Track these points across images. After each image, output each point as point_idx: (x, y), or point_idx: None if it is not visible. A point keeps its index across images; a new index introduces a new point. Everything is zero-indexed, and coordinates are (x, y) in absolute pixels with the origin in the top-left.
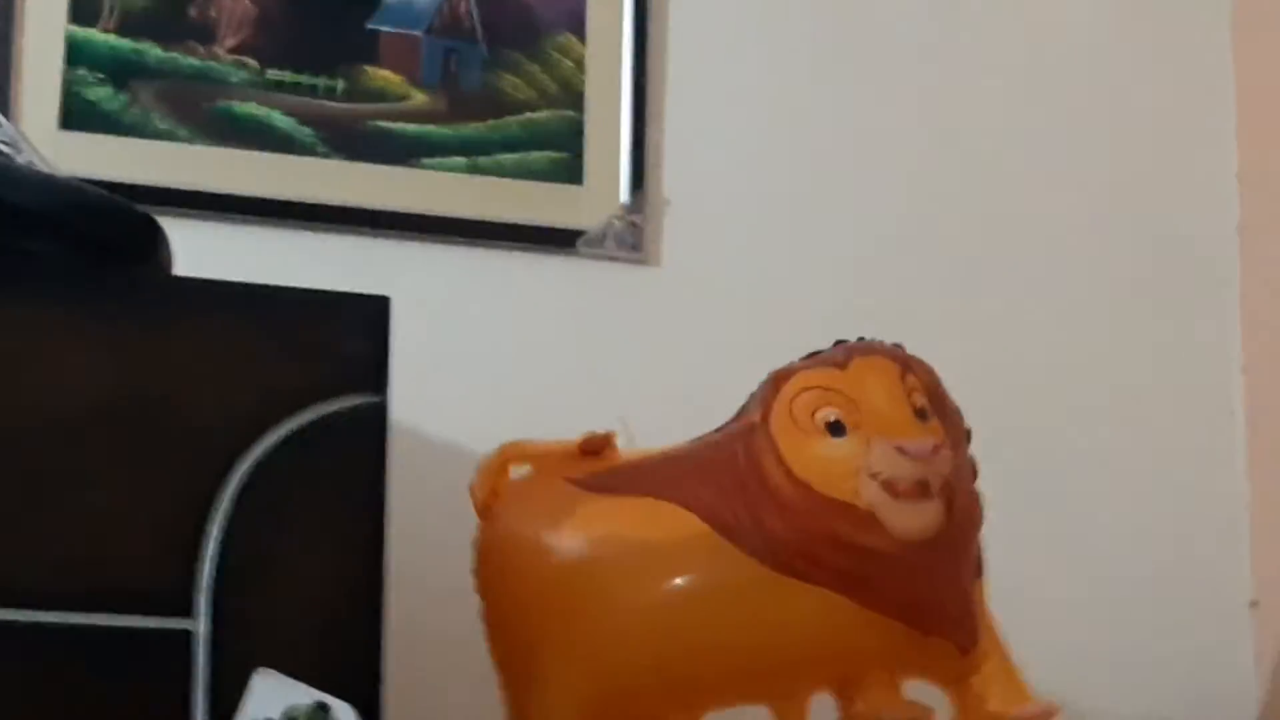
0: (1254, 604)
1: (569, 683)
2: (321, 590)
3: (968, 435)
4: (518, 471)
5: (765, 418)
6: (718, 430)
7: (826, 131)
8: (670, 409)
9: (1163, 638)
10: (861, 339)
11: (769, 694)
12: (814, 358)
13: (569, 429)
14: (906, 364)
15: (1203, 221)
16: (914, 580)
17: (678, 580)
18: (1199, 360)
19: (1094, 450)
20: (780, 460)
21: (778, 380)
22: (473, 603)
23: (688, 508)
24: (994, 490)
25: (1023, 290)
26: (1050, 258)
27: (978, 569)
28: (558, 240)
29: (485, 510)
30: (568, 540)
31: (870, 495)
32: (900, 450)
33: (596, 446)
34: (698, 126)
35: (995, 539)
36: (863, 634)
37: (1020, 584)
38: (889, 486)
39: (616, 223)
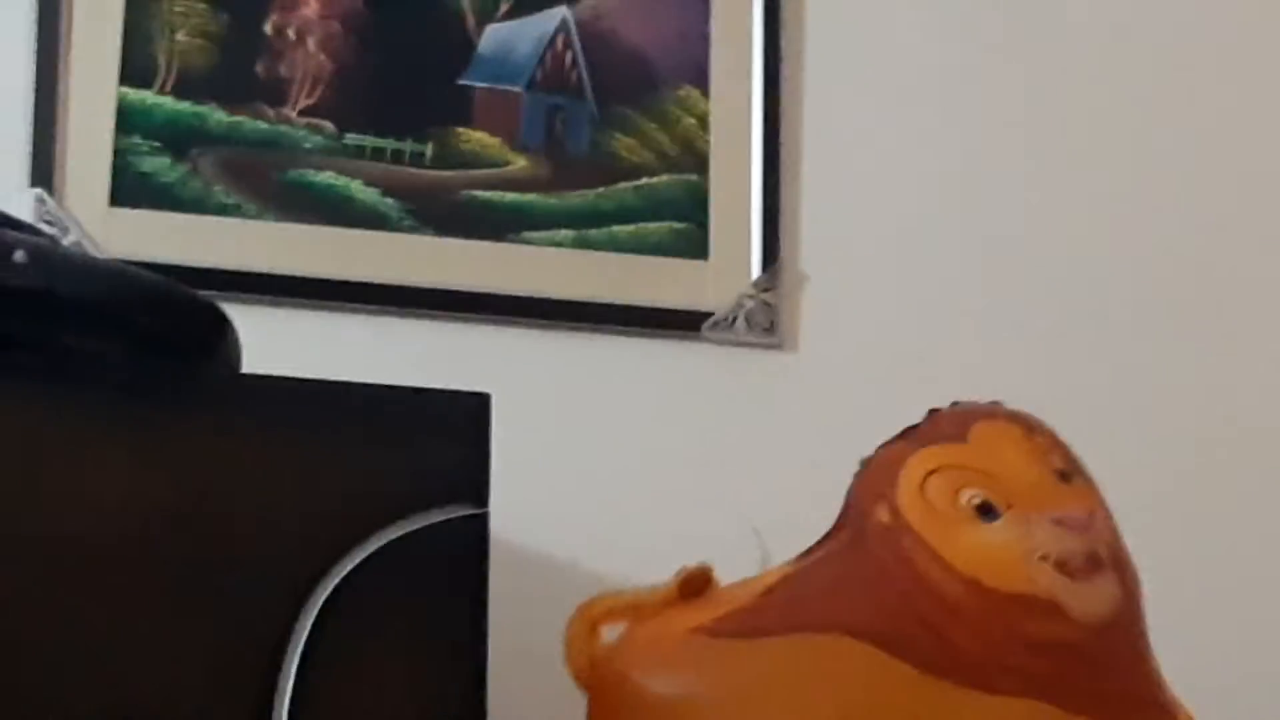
0: None
1: None
2: None
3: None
4: (612, 631)
5: (895, 511)
6: (828, 537)
7: (989, 200)
8: (809, 514)
9: None
10: (956, 403)
11: None
12: (912, 435)
13: (694, 542)
14: (1027, 422)
15: None
16: (1109, 670)
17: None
18: None
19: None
20: (936, 556)
21: (888, 466)
22: None
23: (850, 634)
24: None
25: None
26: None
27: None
28: (680, 323)
29: (589, 683)
30: (718, 697)
31: (1047, 580)
32: (1060, 524)
33: (698, 586)
34: (840, 192)
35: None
36: None
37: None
38: (1062, 567)
39: (748, 302)
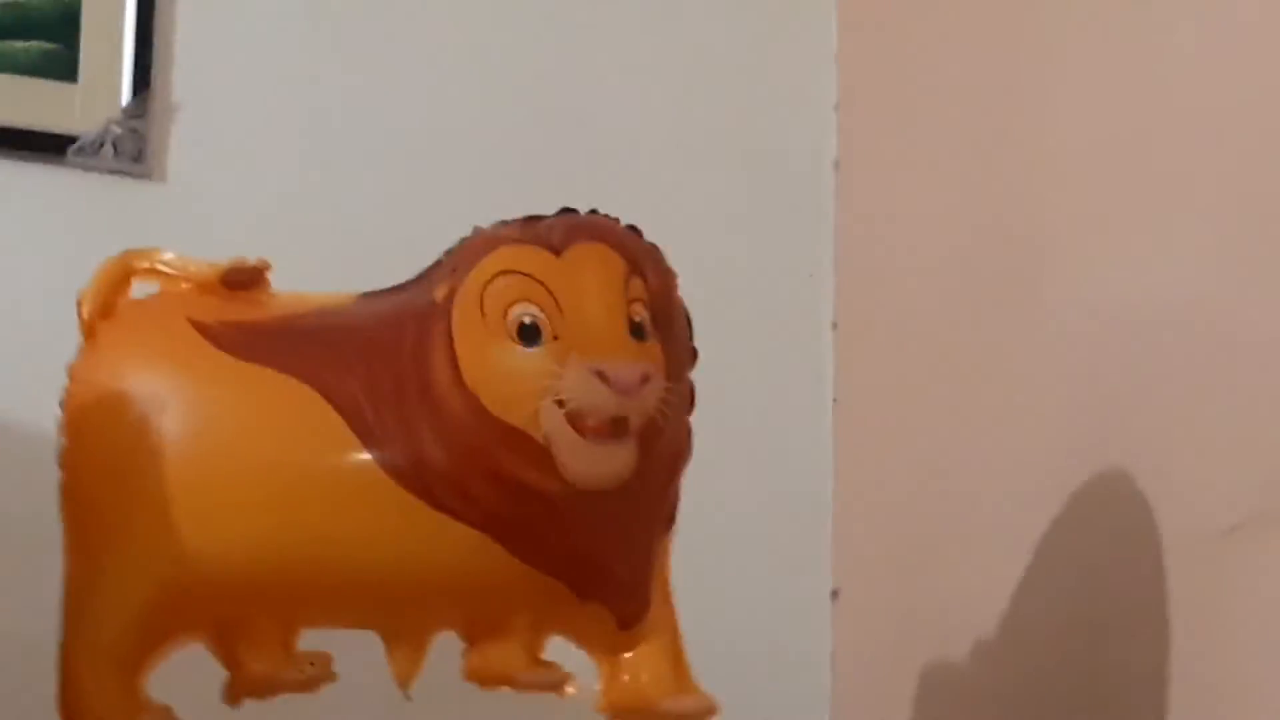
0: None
1: (147, 562)
2: None
3: (692, 357)
4: (143, 289)
5: (450, 298)
6: (400, 287)
7: (368, 36)
8: None
9: (741, 629)
10: (595, 212)
11: (380, 623)
12: (521, 227)
13: (43, 366)
14: (637, 261)
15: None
16: (582, 534)
17: (291, 477)
18: (789, 323)
19: None
20: (453, 361)
21: (478, 248)
22: None
23: (327, 398)
24: None
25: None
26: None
27: (669, 520)
28: (45, 146)
29: (91, 330)
30: (176, 401)
31: (551, 426)
32: (601, 376)
33: (245, 280)
34: (218, 20)
35: None
36: (507, 583)
37: None
38: (575, 419)
39: (116, 128)
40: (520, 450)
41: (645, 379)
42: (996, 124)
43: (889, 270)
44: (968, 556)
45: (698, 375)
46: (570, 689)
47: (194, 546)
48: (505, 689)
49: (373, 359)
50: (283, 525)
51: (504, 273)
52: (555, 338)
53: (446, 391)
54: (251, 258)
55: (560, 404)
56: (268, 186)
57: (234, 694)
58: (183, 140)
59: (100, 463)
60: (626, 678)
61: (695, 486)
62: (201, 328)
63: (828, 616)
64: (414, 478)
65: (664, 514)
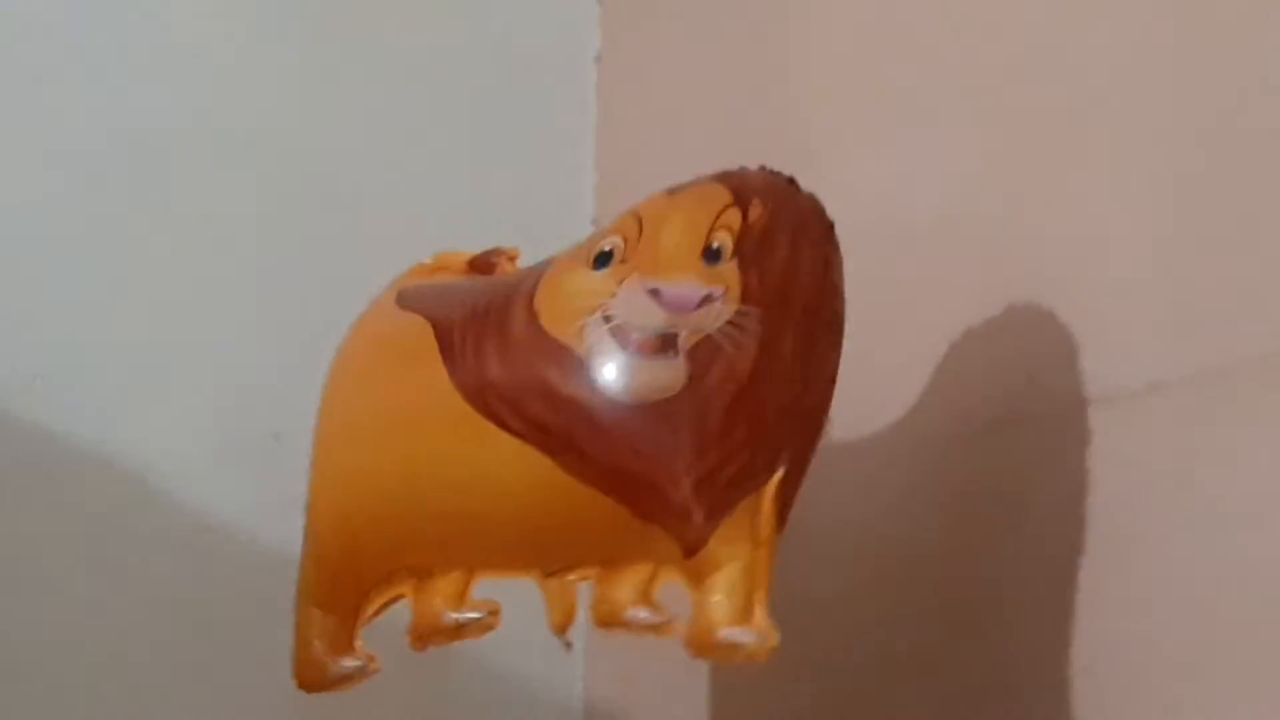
0: None
1: (314, 513)
2: None
3: (819, 297)
4: None
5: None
6: None
7: None
8: None
9: None
10: (764, 167)
11: (499, 563)
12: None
13: None
14: (750, 196)
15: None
16: (631, 451)
17: (392, 405)
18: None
19: None
20: (532, 287)
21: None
22: None
23: (433, 325)
24: None
25: None
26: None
27: (769, 459)
28: None
29: None
30: (354, 345)
31: (594, 340)
32: (654, 294)
33: (485, 263)
34: None
35: None
36: (570, 505)
37: None
38: (620, 334)
39: None
40: (563, 364)
41: (706, 299)
42: (764, 25)
43: (650, 172)
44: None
45: None
46: (673, 631)
47: (329, 489)
48: (622, 633)
49: (488, 293)
50: (382, 453)
51: (623, 214)
52: (624, 261)
53: (516, 314)
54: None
55: (607, 319)
56: None
57: (415, 638)
58: None
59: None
60: (701, 610)
61: None
62: (399, 293)
63: None
64: (478, 395)
65: (760, 442)
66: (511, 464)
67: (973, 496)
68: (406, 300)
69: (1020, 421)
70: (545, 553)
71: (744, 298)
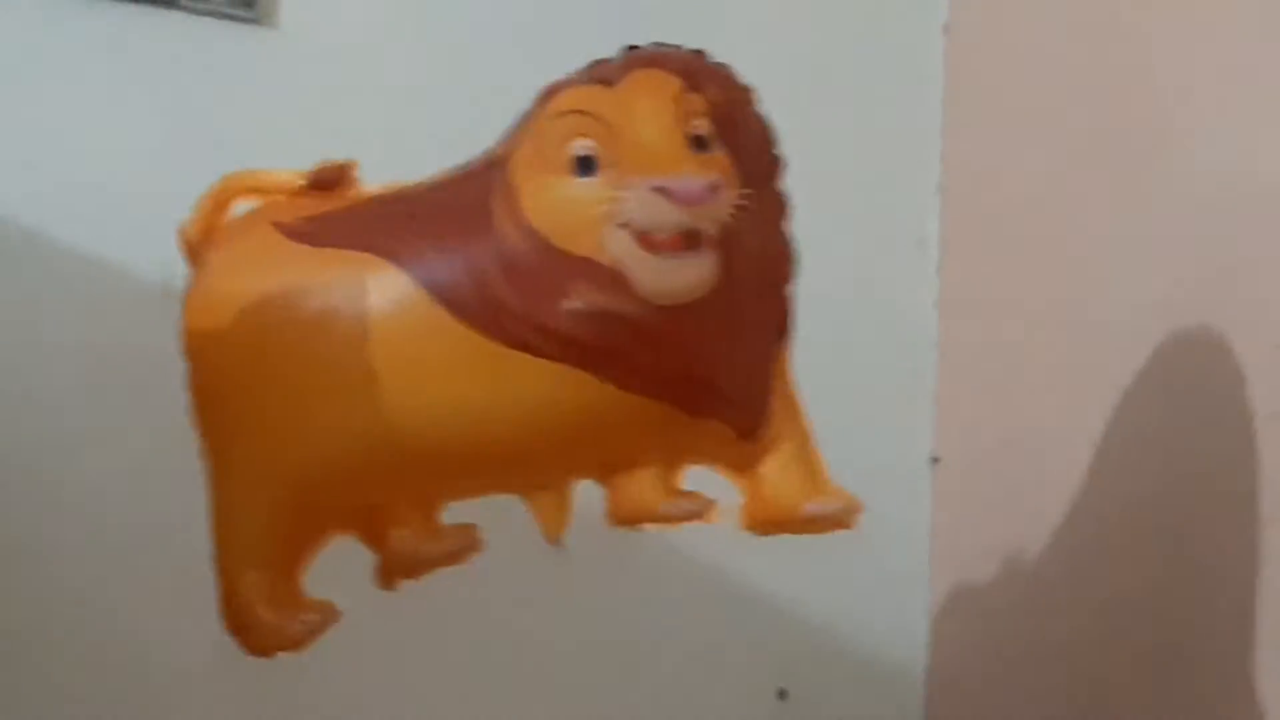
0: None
1: (268, 460)
2: None
3: (775, 165)
4: (243, 208)
5: (512, 150)
6: (466, 164)
7: None
8: None
9: None
10: (659, 44)
11: (514, 483)
12: (589, 68)
13: (157, 222)
14: (694, 77)
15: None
16: (678, 351)
17: (385, 352)
18: (893, 188)
19: None
20: (515, 207)
21: (537, 101)
22: None
23: (400, 266)
24: None
25: None
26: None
27: (780, 331)
28: None
29: (196, 254)
30: (268, 298)
31: (618, 249)
32: (661, 192)
33: (328, 180)
34: None
35: None
36: (617, 417)
37: None
38: (643, 238)
39: None
40: (591, 278)
41: (714, 189)
42: None
43: (999, 133)
44: (1068, 425)
45: (801, 242)
46: (715, 515)
47: (309, 440)
48: (648, 526)
49: (442, 222)
50: (391, 403)
51: (559, 115)
52: (612, 164)
53: (512, 237)
54: (338, 159)
55: (624, 226)
56: (379, 37)
57: (385, 577)
58: None
59: (216, 380)
60: (766, 491)
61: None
62: (281, 226)
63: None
64: (497, 329)
65: (770, 321)
66: (551, 389)
67: None
68: (318, 238)
69: None
70: (573, 468)
71: (742, 181)
